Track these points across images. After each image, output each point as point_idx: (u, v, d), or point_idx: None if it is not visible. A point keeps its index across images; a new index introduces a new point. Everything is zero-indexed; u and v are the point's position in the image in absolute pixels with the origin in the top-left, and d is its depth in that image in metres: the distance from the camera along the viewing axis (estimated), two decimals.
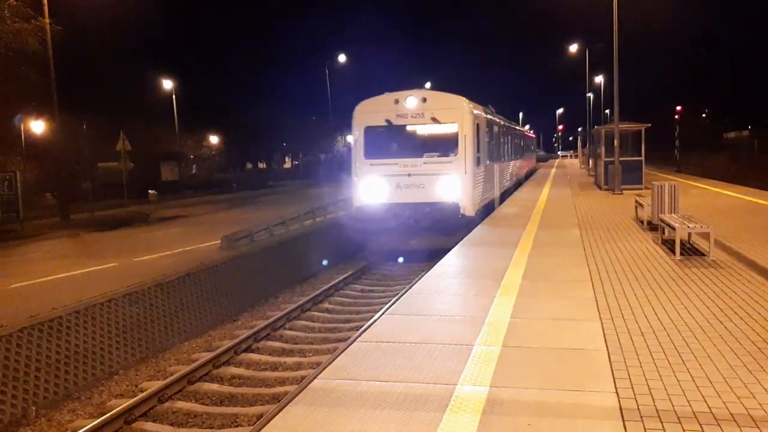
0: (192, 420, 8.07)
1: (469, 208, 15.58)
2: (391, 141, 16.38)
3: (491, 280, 8.36)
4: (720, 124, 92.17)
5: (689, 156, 51.08)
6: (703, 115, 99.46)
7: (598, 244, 11.40)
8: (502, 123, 24.04)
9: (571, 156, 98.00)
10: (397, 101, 15.78)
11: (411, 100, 15.67)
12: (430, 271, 9.44)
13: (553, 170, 47.96)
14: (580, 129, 79.98)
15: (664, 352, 5.54)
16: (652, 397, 4.57)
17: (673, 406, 4.42)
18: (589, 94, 65.04)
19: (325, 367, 5.42)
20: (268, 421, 4.42)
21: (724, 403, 4.44)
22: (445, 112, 15.67)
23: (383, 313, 7.11)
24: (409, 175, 15.49)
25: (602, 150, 26.48)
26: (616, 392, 4.61)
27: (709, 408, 4.37)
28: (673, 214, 11.68)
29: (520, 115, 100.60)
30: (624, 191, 22.80)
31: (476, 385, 4.76)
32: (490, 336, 5.97)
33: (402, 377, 4.99)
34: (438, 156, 15.76)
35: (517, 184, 29.85)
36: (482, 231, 13.59)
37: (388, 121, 15.79)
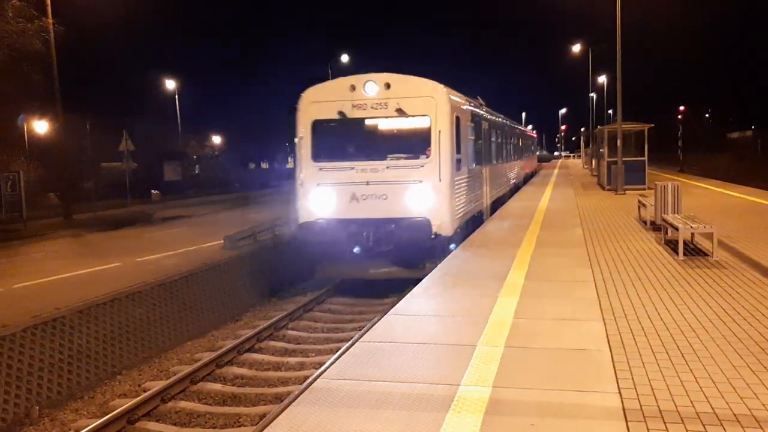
0: (195, 420, 8.08)
1: (445, 226, 12.35)
2: (346, 139, 13.42)
3: (494, 280, 8.35)
4: (723, 124, 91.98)
5: (692, 156, 51.02)
6: (706, 115, 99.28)
7: (601, 244, 11.39)
8: (495, 118, 20.85)
9: (574, 156, 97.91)
10: (353, 88, 12.58)
11: (371, 87, 12.49)
12: (431, 273, 9.42)
13: (556, 171, 47.93)
14: (582, 129, 79.88)
15: (667, 352, 5.53)
16: (655, 397, 4.57)
17: (676, 406, 4.41)
18: (592, 94, 65.03)
19: (328, 367, 5.43)
20: (271, 421, 4.42)
21: (727, 403, 4.44)
22: (415, 102, 12.40)
23: (386, 314, 7.11)
24: (368, 183, 12.32)
25: (605, 150, 26.47)
26: (619, 393, 4.60)
27: (713, 408, 4.36)
28: (676, 215, 11.65)
29: (523, 115, 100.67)
30: (627, 191, 22.78)
31: (479, 386, 4.75)
32: (493, 336, 5.97)
33: (405, 377, 4.99)
34: (405, 158, 12.57)
35: (515, 189, 26.91)
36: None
37: (341, 113, 12.57)
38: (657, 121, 29.29)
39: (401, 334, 6.17)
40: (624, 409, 4.32)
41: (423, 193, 12.27)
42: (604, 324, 6.34)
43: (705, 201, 18.61)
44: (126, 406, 7.94)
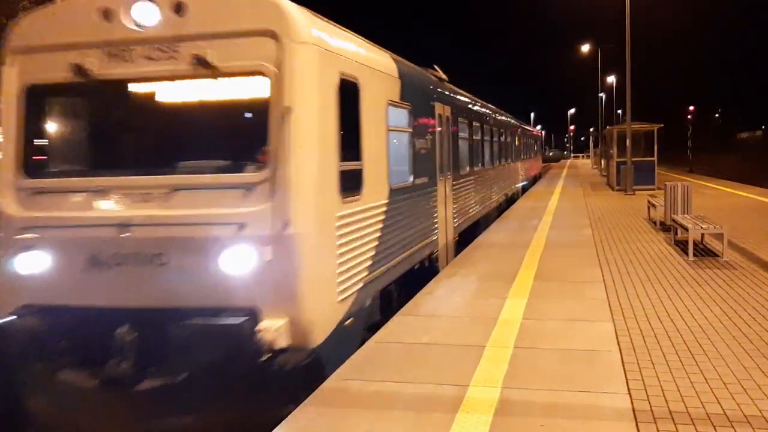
0: None
1: (298, 328, 5.16)
2: (90, 127, 6.36)
3: (502, 281, 8.35)
4: (732, 124, 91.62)
5: (702, 156, 50.81)
6: (716, 116, 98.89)
7: (610, 244, 11.35)
8: (467, 103, 13.72)
9: (583, 156, 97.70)
10: (107, 14, 5.60)
11: (144, 10, 5.54)
12: (441, 271, 9.42)
13: (564, 172, 47.78)
14: (591, 129, 79.63)
15: (677, 353, 5.52)
16: (665, 398, 4.56)
17: (686, 407, 4.40)
18: (601, 95, 64.83)
19: (338, 367, 5.43)
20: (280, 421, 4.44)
21: (737, 404, 4.42)
22: (235, 44, 5.38)
23: (395, 315, 7.11)
24: (127, 227, 5.37)
25: (614, 150, 26.38)
26: (629, 393, 4.59)
27: (723, 409, 4.34)
28: (686, 215, 11.62)
29: (532, 115, 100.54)
30: (636, 192, 22.71)
31: (488, 386, 4.75)
32: (502, 337, 5.97)
33: (413, 378, 4.99)
34: (213, 173, 5.48)
35: (511, 201, 21.37)
36: None
37: (81, 69, 5.63)
38: (667, 121, 29.19)
39: (410, 335, 6.17)
40: (634, 410, 4.31)
41: (247, 253, 5.20)
42: (614, 324, 6.33)
43: (715, 201, 18.51)
44: None
